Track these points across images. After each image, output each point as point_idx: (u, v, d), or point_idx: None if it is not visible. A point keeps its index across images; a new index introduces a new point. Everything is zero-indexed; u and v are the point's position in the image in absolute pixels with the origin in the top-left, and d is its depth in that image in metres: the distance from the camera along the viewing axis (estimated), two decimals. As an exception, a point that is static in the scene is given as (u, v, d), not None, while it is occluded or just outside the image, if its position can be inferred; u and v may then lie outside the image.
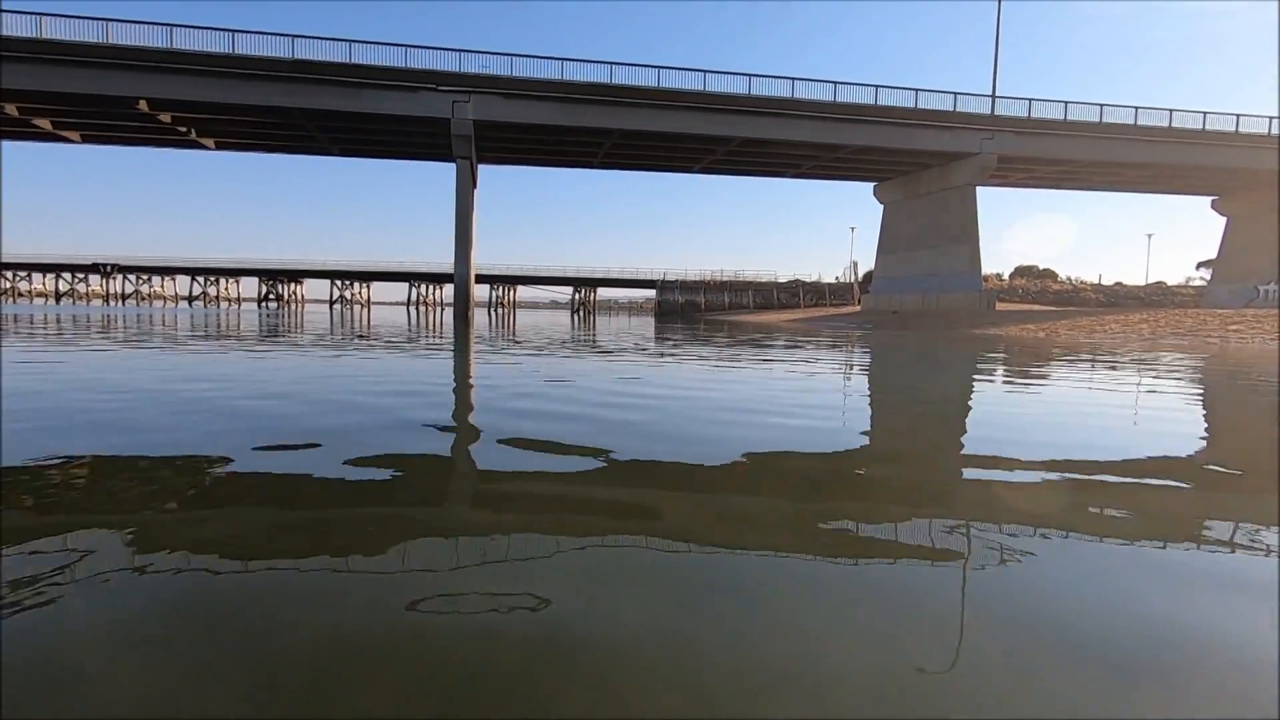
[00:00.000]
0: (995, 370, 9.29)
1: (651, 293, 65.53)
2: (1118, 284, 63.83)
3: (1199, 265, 73.79)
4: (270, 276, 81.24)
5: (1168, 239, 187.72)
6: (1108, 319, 23.04)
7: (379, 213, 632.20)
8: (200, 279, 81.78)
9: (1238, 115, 36.74)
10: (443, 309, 78.78)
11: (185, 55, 27.18)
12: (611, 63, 30.60)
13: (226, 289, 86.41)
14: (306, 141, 35.90)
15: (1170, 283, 64.93)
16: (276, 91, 28.20)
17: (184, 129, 32.84)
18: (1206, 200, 48.64)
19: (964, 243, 37.10)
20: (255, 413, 4.43)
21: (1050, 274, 69.41)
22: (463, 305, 32.46)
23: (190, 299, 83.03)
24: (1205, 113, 36.35)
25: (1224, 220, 47.94)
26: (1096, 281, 65.01)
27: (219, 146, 36.88)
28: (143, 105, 28.91)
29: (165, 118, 30.95)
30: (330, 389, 5.72)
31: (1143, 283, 65.18)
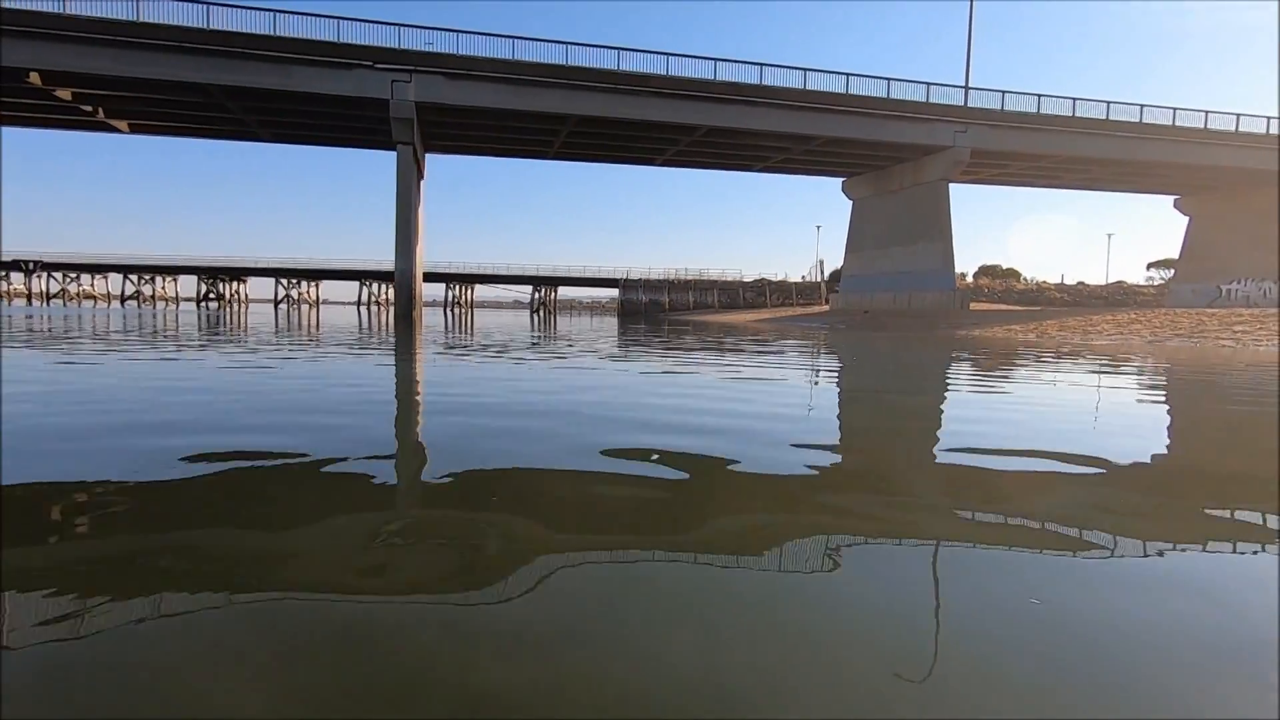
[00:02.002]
0: (1065, 385, 7.34)
1: (614, 292, 63.37)
2: (1080, 284, 64.00)
3: (1150, 266, 74.87)
4: (210, 275, 76.73)
5: (1120, 239, 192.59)
6: (1098, 320, 21.67)
7: (331, 208, 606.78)
8: (134, 277, 76.88)
9: (1206, 112, 36.24)
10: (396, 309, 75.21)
11: (81, 21, 23.97)
12: (567, 42, 28.33)
13: (164, 288, 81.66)
14: (233, 125, 32.66)
15: (1130, 282, 65.40)
16: (190, 65, 25.13)
17: (89, 108, 29.39)
18: (1157, 200, 48.67)
19: (937, 240, 35.80)
20: None
21: (1014, 273, 69.40)
22: (405, 305, 29.73)
23: (124, 299, 78.07)
24: (1175, 109, 35.75)
25: (1185, 220, 47.92)
26: (1059, 281, 65.06)
27: (134, 129, 33.36)
28: (35, 79, 25.54)
29: (65, 94, 27.53)
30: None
31: (1104, 282, 65.55)
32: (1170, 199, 47.99)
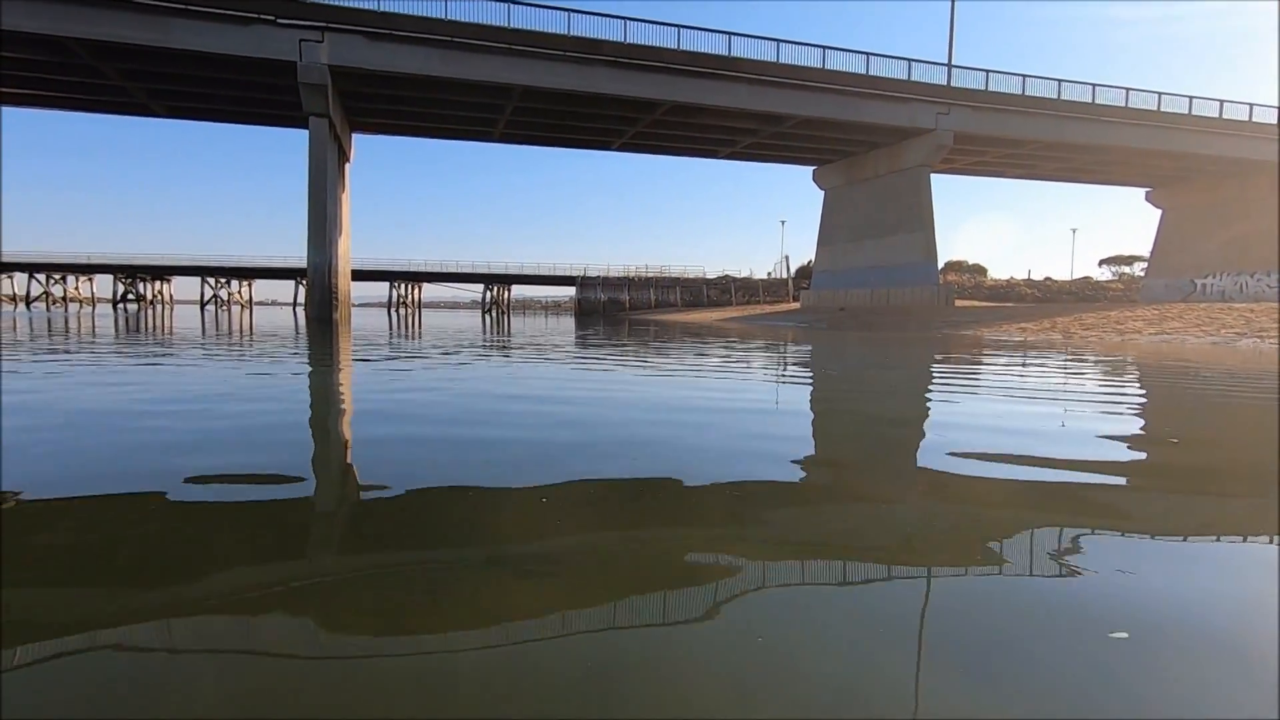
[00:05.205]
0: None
1: (572, 290, 59.64)
2: (1047, 279, 62.81)
3: (1102, 262, 74.52)
4: (129, 274, 69.98)
5: (1067, 236, 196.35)
6: (1118, 316, 19.03)
7: (273, 198, 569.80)
8: (41, 277, 69.68)
9: (1190, 98, 34.51)
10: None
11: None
12: (509, 0, 24.55)
13: (77, 288, 74.49)
14: (115, 95, 27.80)
15: (1094, 279, 64.58)
16: (29, 14, 20.50)
17: (-73, 70, 24.36)
18: (1106, 198, 47.80)
19: (918, 232, 33.14)
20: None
21: (980, 269, 67.99)
22: (323, 305, 25.53)
23: (29, 300, 70.73)
24: (1160, 94, 33.89)
25: (1158, 214, 46.61)
26: (1027, 277, 63.83)
27: (-4, 100, 28.27)
28: None
29: (-110, 51, 22.54)
30: None
31: (1068, 278, 64.67)
32: (1137, 193, 46.68)
